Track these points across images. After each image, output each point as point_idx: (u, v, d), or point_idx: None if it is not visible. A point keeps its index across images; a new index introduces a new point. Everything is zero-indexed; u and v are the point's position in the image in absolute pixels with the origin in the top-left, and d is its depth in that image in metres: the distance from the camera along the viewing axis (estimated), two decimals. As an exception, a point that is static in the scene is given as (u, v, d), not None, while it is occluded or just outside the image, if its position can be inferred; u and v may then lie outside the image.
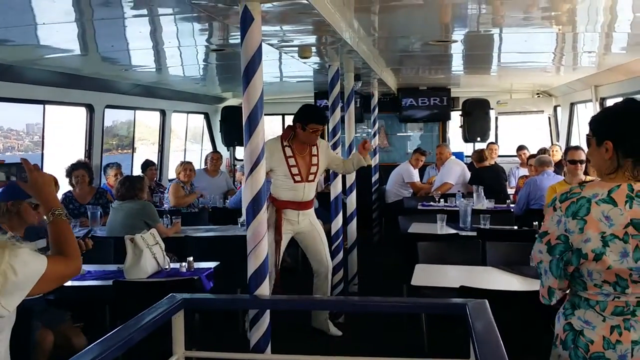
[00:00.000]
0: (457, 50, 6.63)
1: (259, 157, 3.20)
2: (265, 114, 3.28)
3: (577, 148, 5.98)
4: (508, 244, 4.70)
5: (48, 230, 2.03)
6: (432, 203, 7.48)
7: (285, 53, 5.31)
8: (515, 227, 5.75)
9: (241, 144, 11.68)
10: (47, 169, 6.98)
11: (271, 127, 11.48)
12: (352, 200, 6.32)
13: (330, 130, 6.01)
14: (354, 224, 6.34)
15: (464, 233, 5.53)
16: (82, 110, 7.51)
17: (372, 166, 9.08)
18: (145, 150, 8.87)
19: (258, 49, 3.16)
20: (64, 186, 6.47)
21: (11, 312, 1.81)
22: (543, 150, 8.10)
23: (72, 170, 6.37)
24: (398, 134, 11.33)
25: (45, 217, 2.05)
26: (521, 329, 3.41)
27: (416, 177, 8.98)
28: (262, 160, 3.21)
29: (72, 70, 6.51)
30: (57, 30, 4.57)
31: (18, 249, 1.81)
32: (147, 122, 10.38)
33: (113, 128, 10.69)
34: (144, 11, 4.15)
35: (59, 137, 8.18)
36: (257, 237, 3.21)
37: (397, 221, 6.61)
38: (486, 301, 2.73)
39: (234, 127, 10.96)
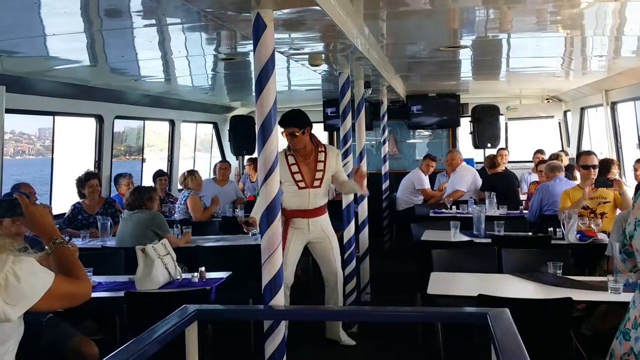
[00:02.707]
0: (465, 56, 6.60)
1: (273, 166, 3.16)
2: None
3: (590, 153, 5.94)
4: (524, 250, 4.64)
5: (51, 259, 2.01)
6: (443, 210, 7.42)
7: (295, 61, 5.28)
8: (530, 234, 5.67)
9: (250, 153, 11.69)
10: (57, 177, 7.02)
11: (281, 136, 11.46)
12: (363, 208, 6.27)
13: (341, 138, 5.96)
14: (365, 232, 6.28)
15: (478, 240, 5.46)
16: (92, 120, 7.51)
17: (382, 174, 9.05)
18: (154, 157, 8.84)
19: (271, 57, 3.13)
20: (73, 197, 6.46)
21: (15, 319, 1.79)
22: (554, 156, 8.02)
23: (87, 180, 6.33)
24: (407, 141, 11.29)
25: (47, 247, 2.04)
26: (541, 337, 3.34)
27: (427, 184, 8.91)
28: (276, 168, 3.17)
29: (81, 82, 6.51)
30: (67, 41, 4.56)
31: (23, 257, 1.83)
32: (155, 128, 10.37)
33: (121, 134, 10.69)
34: (153, 21, 4.14)
35: (69, 147, 8.20)
36: (272, 247, 3.16)
37: (408, 229, 6.54)
38: (507, 310, 2.67)
39: (243, 136, 10.98)
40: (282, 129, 4.80)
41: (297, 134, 4.80)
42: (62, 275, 1.95)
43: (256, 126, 3.19)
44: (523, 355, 2.16)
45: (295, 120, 4.83)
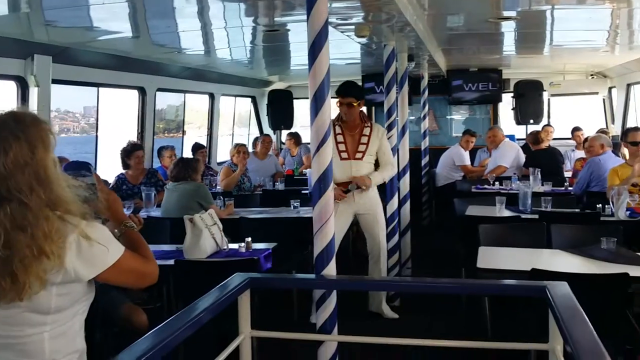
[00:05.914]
0: (509, 29, 6.44)
1: (326, 135, 3.13)
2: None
3: (637, 129, 5.79)
4: (573, 226, 4.53)
5: (122, 242, 2.05)
6: (486, 186, 7.30)
7: (341, 32, 5.21)
8: (577, 210, 5.56)
9: (288, 128, 11.65)
10: (101, 150, 7.10)
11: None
12: (405, 183, 6.20)
13: (385, 112, 5.88)
14: (407, 207, 6.22)
15: (524, 216, 5.36)
16: (133, 93, 7.56)
17: (422, 149, 8.95)
18: (192, 135, 8.92)
19: (324, 25, 3.08)
20: (117, 168, 6.54)
21: (86, 280, 1.81)
22: (602, 132, 7.83)
23: (133, 151, 6.40)
24: (447, 117, 11.14)
25: (116, 230, 2.10)
26: (596, 314, 3.27)
27: (467, 160, 8.80)
28: (329, 138, 3.14)
29: (124, 53, 6.56)
30: (112, 11, 4.57)
31: (96, 222, 1.86)
32: (193, 106, 10.46)
33: (160, 112, 10.77)
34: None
35: (112, 120, 8.30)
36: (324, 217, 3.14)
37: (447, 204, 6.49)
38: (566, 283, 2.62)
39: (281, 110, 10.96)
40: (339, 98, 4.88)
41: (354, 104, 4.89)
42: (132, 252, 1.98)
43: (309, 96, 3.16)
44: (588, 328, 2.11)
45: (355, 91, 4.98)
